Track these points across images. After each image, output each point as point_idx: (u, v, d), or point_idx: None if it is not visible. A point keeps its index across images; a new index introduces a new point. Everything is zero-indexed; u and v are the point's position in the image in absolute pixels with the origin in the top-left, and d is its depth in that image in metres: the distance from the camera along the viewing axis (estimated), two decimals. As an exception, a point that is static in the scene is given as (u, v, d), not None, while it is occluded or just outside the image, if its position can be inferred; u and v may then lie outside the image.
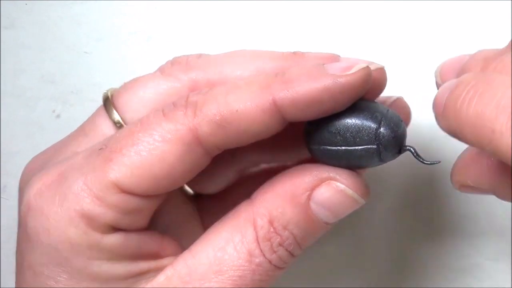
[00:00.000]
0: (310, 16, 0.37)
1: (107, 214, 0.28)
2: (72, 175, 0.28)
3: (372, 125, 0.31)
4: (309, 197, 0.30)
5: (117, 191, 0.28)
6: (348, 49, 0.37)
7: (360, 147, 0.31)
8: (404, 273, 0.37)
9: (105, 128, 0.31)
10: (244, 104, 0.28)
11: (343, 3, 0.37)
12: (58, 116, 0.41)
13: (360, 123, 0.31)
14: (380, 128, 0.31)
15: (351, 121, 0.31)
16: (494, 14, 0.35)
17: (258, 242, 0.29)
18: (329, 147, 0.32)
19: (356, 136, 0.31)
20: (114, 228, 0.28)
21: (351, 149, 0.31)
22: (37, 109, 0.41)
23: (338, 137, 0.31)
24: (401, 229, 0.37)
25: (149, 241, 0.30)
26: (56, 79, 0.41)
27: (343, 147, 0.32)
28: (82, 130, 0.32)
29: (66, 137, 0.33)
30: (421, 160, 0.31)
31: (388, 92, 0.33)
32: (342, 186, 0.31)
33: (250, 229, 0.29)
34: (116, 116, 0.31)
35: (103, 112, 0.31)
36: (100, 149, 0.29)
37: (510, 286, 0.31)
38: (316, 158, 0.33)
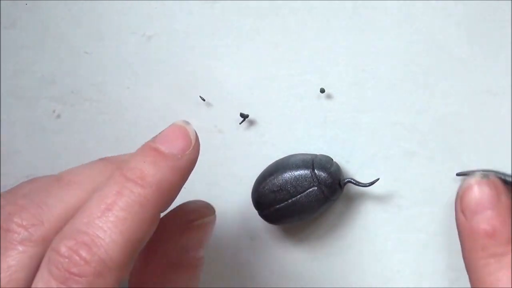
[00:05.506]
0: (305, 17, 0.37)
1: None
2: None
3: (306, 170, 0.34)
4: None
5: None
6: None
7: (304, 193, 0.34)
8: (404, 273, 0.37)
9: None
10: (141, 231, 0.27)
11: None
12: (58, 116, 0.41)
13: (297, 173, 0.35)
14: (314, 170, 0.34)
15: (288, 174, 0.35)
16: (494, 14, 0.35)
17: None
18: (278, 206, 0.35)
19: (296, 185, 0.35)
20: None
21: (297, 198, 0.35)
22: (37, 109, 0.41)
23: (282, 193, 0.35)
24: (400, 229, 0.37)
25: None
26: (56, 79, 0.41)
27: (289, 200, 0.35)
28: None
29: None
30: (362, 185, 0.35)
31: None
32: None
33: None
34: None
35: None
36: None
37: (510, 286, 0.31)
38: (270, 222, 0.36)
